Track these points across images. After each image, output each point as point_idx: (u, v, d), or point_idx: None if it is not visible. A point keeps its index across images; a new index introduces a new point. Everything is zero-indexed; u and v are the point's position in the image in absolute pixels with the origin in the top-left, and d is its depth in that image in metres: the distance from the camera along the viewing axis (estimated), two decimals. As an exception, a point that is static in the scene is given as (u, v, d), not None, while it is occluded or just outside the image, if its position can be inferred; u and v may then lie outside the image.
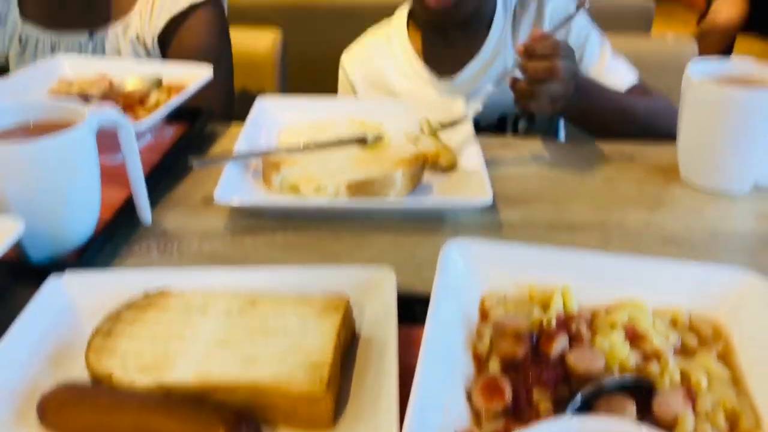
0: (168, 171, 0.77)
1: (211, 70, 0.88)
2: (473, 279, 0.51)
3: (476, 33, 1.00)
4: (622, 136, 0.87)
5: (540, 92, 0.76)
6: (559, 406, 0.41)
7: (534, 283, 0.50)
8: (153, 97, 0.81)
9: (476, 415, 0.41)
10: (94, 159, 0.61)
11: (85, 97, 0.82)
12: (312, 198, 0.70)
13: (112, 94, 0.82)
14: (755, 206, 0.73)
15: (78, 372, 0.46)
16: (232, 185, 0.71)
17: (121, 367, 0.44)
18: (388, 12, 1.12)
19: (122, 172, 0.66)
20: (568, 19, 0.82)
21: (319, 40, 1.52)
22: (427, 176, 0.75)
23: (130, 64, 0.96)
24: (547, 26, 0.99)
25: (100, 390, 0.44)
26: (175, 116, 0.84)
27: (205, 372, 0.44)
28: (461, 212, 0.70)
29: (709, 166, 0.75)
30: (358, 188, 0.70)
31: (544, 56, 0.75)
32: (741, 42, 2.73)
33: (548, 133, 1.05)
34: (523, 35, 1.00)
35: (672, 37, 1.25)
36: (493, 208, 0.70)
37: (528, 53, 0.75)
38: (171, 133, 0.86)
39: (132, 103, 0.80)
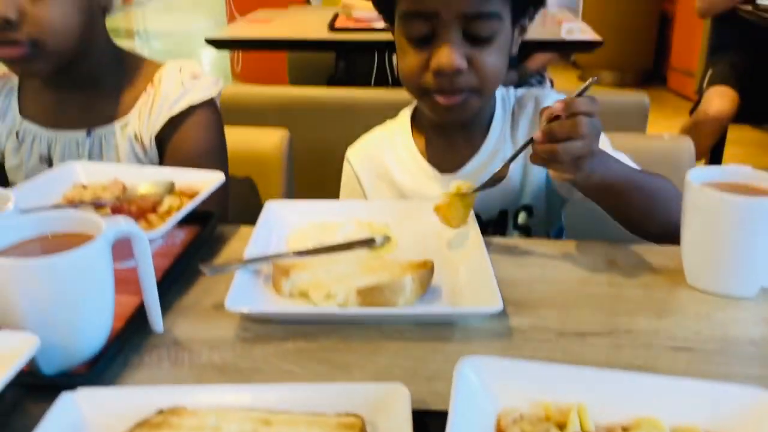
0: (178, 277, 0.78)
1: (222, 175, 0.90)
2: (488, 396, 0.50)
3: (476, 132, 1.03)
4: (628, 211, 0.88)
5: (562, 151, 0.75)
6: None
7: (550, 400, 0.50)
8: (166, 203, 0.83)
9: None
10: (110, 271, 0.62)
11: (99, 203, 0.84)
12: (322, 305, 0.70)
13: (125, 200, 0.84)
14: (763, 310, 0.73)
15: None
16: (243, 292, 0.71)
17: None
18: (391, 108, 1.16)
19: (131, 276, 0.67)
20: (584, 89, 0.80)
21: (324, 137, 1.57)
22: (436, 278, 0.76)
23: (143, 169, 0.99)
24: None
25: None
26: (184, 219, 0.85)
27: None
28: (471, 319, 0.71)
29: (713, 271, 0.76)
30: (368, 294, 0.70)
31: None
32: (733, 131, 2.81)
33: (549, 225, 1.06)
34: (522, 134, 1.03)
35: (668, 135, 1.29)
36: (502, 313, 0.71)
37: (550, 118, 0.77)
38: (181, 236, 0.88)
39: (145, 210, 0.82)
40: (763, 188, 0.76)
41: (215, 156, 1.10)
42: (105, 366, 0.62)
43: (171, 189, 0.87)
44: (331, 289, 0.71)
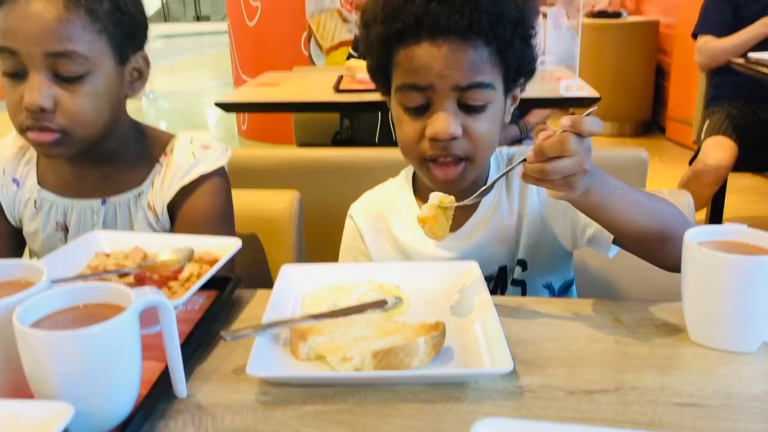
0: (200, 343, 0.81)
1: (240, 241, 0.94)
2: (503, 457, 0.53)
3: (473, 193, 1.05)
4: (636, 233, 0.88)
5: (550, 170, 0.75)
6: None
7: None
8: (187, 270, 0.87)
9: None
10: (138, 340, 0.65)
11: (122, 271, 0.87)
12: (339, 368, 0.73)
13: (147, 268, 0.88)
14: (765, 365, 0.76)
15: None
16: (262, 357, 0.74)
17: None
18: (396, 167, 1.20)
19: (154, 343, 0.71)
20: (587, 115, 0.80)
21: (331, 195, 1.61)
22: (448, 339, 0.78)
23: (162, 237, 1.03)
24: None
25: None
26: (203, 285, 0.88)
27: None
28: (483, 379, 0.73)
29: (715, 327, 0.78)
30: (383, 357, 0.73)
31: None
32: (734, 179, 2.85)
33: (543, 278, 1.08)
34: (516, 190, 1.07)
35: (668, 191, 1.33)
36: (513, 373, 0.73)
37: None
38: (200, 301, 0.91)
39: (167, 278, 0.85)
40: (759, 246, 0.80)
41: (223, 222, 1.14)
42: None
43: (191, 256, 0.90)
44: (347, 352, 0.74)
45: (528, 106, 2.59)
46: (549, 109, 2.78)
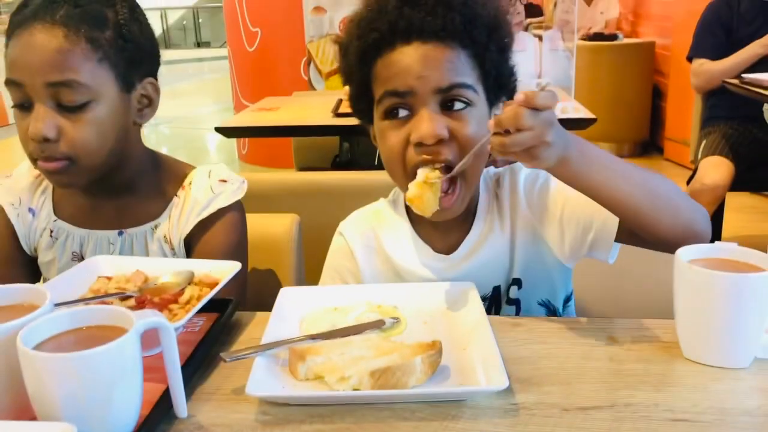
0: (200, 364, 0.82)
1: (239, 264, 0.95)
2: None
3: (465, 216, 1.06)
4: (627, 203, 0.88)
5: (509, 143, 0.78)
6: None
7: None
8: (187, 293, 0.88)
9: None
10: (139, 362, 0.67)
11: (123, 294, 0.89)
12: (337, 388, 0.74)
13: (148, 291, 0.89)
14: (758, 380, 0.77)
15: None
16: (262, 378, 0.75)
17: None
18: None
19: (153, 364, 0.72)
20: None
21: (332, 219, 1.63)
22: (444, 358, 0.79)
23: (162, 260, 1.04)
24: (522, 195, 1.06)
25: None
26: (203, 307, 0.89)
27: None
28: (479, 397, 0.74)
29: (707, 344, 0.80)
30: (381, 376, 0.74)
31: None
32: (732, 198, 2.87)
33: (539, 296, 1.08)
34: (506, 206, 1.07)
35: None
36: (508, 390, 0.74)
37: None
38: (200, 323, 0.92)
39: (168, 300, 0.86)
40: (749, 264, 0.81)
41: (239, 255, 1.13)
42: (134, 452, 0.65)
43: (191, 279, 0.92)
44: (345, 372, 0.75)
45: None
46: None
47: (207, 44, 16.64)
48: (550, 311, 1.09)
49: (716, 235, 2.87)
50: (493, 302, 1.06)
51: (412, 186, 0.91)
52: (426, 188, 0.90)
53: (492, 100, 1.01)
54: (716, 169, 2.73)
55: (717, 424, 0.70)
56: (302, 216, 1.44)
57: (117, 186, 1.13)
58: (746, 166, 2.78)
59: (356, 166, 2.81)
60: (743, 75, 2.75)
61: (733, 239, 0.86)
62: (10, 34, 1.01)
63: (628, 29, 5.88)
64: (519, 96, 0.78)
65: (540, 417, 0.71)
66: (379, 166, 2.63)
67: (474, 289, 0.94)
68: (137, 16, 1.08)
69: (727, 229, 2.94)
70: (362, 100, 1.03)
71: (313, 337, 0.83)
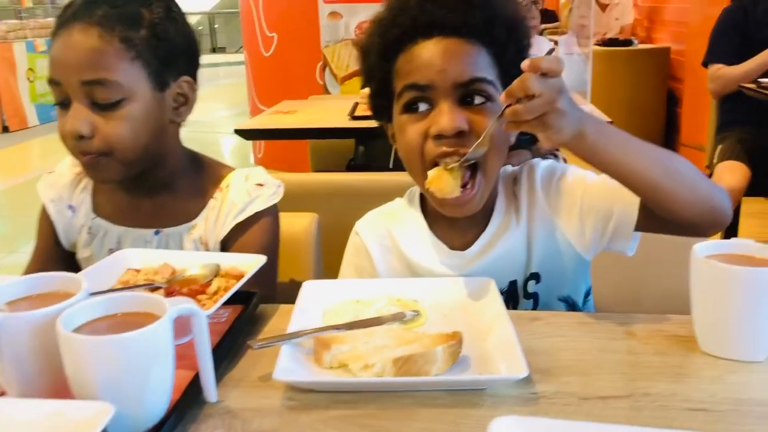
0: (227, 352, 0.84)
1: (264, 257, 0.98)
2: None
3: (482, 214, 1.07)
4: (645, 179, 0.89)
5: (522, 111, 0.80)
6: None
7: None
8: (214, 285, 0.90)
9: None
10: (172, 346, 0.69)
11: (152, 285, 0.92)
12: (361, 375, 0.77)
13: (176, 282, 0.92)
14: (773, 373, 0.79)
15: None
16: (288, 364, 0.78)
17: None
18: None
19: (183, 352, 0.74)
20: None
21: (348, 218, 1.65)
22: (465, 348, 0.81)
23: (189, 254, 1.07)
24: (539, 190, 1.07)
25: None
26: (229, 299, 0.92)
27: None
28: (499, 386, 0.76)
29: (723, 338, 0.81)
30: (403, 364, 0.77)
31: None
32: (748, 204, 2.86)
33: (558, 290, 1.09)
34: (523, 204, 1.08)
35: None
36: (528, 380, 0.76)
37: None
38: (226, 314, 0.95)
39: (196, 291, 0.89)
40: (765, 259, 0.83)
41: (272, 256, 1.15)
42: (167, 433, 0.68)
43: (217, 271, 0.94)
44: (368, 360, 0.77)
45: (540, 131, 2.62)
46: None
47: (222, 50, 16.75)
48: (570, 306, 1.10)
49: (732, 239, 2.88)
50: (510, 297, 1.08)
51: (432, 171, 0.93)
52: (445, 173, 0.93)
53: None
54: (732, 174, 2.73)
55: (733, 413, 0.71)
56: (319, 216, 1.46)
57: (155, 184, 1.16)
58: (762, 171, 2.78)
59: (371, 169, 2.83)
60: (760, 79, 2.75)
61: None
62: (53, 34, 1.05)
63: (643, 35, 5.88)
64: (525, 63, 0.80)
65: (559, 405, 0.73)
66: (395, 169, 2.66)
67: (493, 283, 0.96)
68: (173, 15, 1.11)
69: (742, 234, 2.93)
70: (382, 98, 1.05)
71: (337, 328, 0.85)
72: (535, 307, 1.08)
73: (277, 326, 0.94)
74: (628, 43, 5.36)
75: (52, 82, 1.04)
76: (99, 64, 1.02)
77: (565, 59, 3.62)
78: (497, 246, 1.07)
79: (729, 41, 2.95)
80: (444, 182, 0.93)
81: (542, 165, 1.10)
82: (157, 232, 1.16)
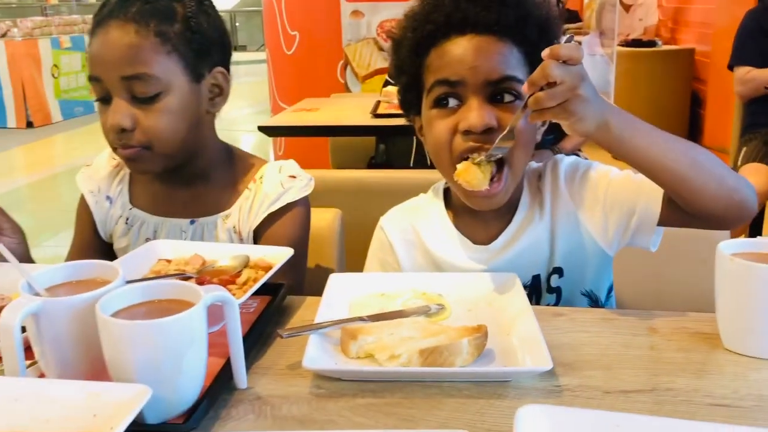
0: (256, 341, 0.87)
1: (291, 250, 1.00)
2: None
3: (507, 209, 1.09)
4: (664, 165, 0.89)
5: (544, 97, 0.81)
6: None
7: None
8: (244, 275, 0.93)
9: None
10: (206, 333, 0.71)
11: (183, 275, 0.94)
12: (387, 365, 0.78)
13: (206, 272, 0.94)
14: (796, 371, 0.79)
15: None
16: (316, 354, 0.80)
17: None
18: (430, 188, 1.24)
19: (214, 341, 0.76)
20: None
21: (371, 214, 1.67)
22: (490, 341, 0.83)
23: (219, 245, 1.09)
24: (563, 185, 1.08)
25: None
26: (258, 290, 0.94)
27: None
28: (523, 378, 0.77)
29: (747, 335, 0.82)
30: (429, 355, 0.78)
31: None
32: (771, 206, 2.84)
33: (581, 285, 1.10)
34: (548, 200, 1.09)
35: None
36: (551, 374, 0.77)
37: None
38: (254, 305, 0.97)
39: (226, 282, 0.91)
40: (789, 258, 0.83)
41: (302, 246, 1.19)
42: (200, 417, 0.70)
43: (247, 262, 0.97)
44: (395, 350, 0.79)
45: (563, 131, 2.63)
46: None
47: (243, 48, 16.85)
48: (593, 301, 1.11)
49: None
50: (533, 291, 1.09)
51: (461, 164, 0.95)
52: (474, 167, 0.94)
53: None
54: (756, 176, 2.71)
55: (756, 410, 0.72)
56: (345, 210, 1.48)
57: (191, 175, 1.19)
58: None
59: (391, 167, 2.85)
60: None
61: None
62: (91, 33, 1.09)
63: (667, 36, 5.84)
64: (545, 51, 0.81)
65: (583, 398, 0.74)
66: (415, 167, 2.66)
67: (517, 278, 0.97)
68: (205, 8, 1.14)
69: (766, 235, 2.92)
70: (412, 92, 1.07)
71: (363, 319, 0.87)
72: (557, 302, 1.09)
73: (304, 317, 0.96)
74: (651, 44, 5.32)
75: (93, 78, 1.08)
76: (137, 59, 1.05)
77: (588, 60, 3.61)
78: (521, 240, 1.08)
79: (755, 43, 2.93)
80: (472, 175, 0.94)
81: (566, 160, 1.11)
82: (192, 222, 1.19)
